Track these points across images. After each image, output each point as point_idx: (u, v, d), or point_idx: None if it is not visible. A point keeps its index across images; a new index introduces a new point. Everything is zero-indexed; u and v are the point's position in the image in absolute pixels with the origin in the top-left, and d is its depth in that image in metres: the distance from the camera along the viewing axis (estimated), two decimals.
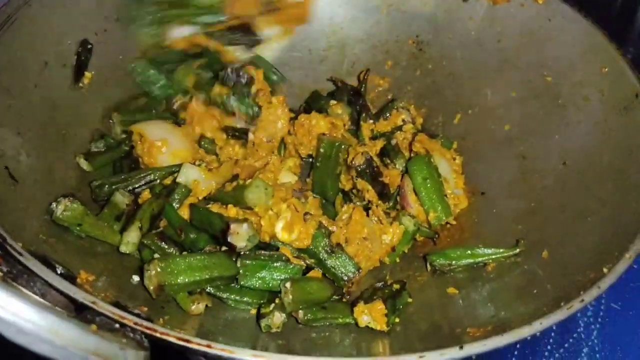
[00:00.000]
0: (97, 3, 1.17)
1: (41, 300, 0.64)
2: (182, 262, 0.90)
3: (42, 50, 1.07)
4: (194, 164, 1.08)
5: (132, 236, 0.95)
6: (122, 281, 0.91)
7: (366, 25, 1.38)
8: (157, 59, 1.19)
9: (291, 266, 0.96)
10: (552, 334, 1.12)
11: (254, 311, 0.95)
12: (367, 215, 1.07)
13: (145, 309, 0.77)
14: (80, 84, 1.13)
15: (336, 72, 1.39)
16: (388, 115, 1.28)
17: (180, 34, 1.16)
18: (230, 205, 1.00)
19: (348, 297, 0.99)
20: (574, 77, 1.14)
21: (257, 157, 1.16)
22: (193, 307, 0.89)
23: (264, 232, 0.97)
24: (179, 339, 0.65)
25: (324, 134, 1.19)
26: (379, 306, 0.90)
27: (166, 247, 0.96)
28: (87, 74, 1.14)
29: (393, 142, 1.21)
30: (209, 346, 0.65)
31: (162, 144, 1.10)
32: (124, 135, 1.15)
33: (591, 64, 1.11)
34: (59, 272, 0.73)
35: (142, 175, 1.08)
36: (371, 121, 1.28)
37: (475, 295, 0.95)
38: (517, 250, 1.00)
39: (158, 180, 1.07)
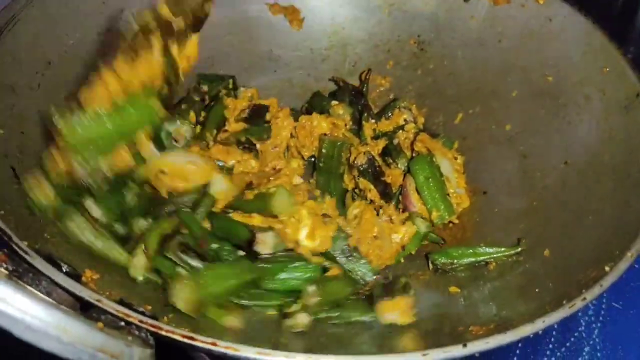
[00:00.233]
0: (101, 2, 1.17)
1: (46, 298, 0.64)
2: (209, 273, 0.89)
3: (45, 50, 1.07)
4: None
5: (139, 259, 0.92)
6: (127, 279, 0.91)
7: (368, 25, 1.39)
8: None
9: (310, 266, 0.97)
10: (554, 333, 1.12)
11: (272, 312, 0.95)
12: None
13: (150, 307, 0.77)
14: None
15: (338, 71, 1.40)
16: (390, 114, 1.29)
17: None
18: (254, 214, 0.99)
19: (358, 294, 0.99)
20: (574, 77, 1.14)
21: (265, 163, 1.17)
22: (227, 320, 0.86)
23: (289, 239, 0.96)
24: (184, 336, 0.66)
25: (325, 135, 1.19)
26: (404, 301, 0.91)
27: (188, 259, 0.92)
28: None
29: (395, 141, 1.22)
30: (214, 344, 0.65)
31: (188, 169, 1.04)
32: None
33: (592, 64, 1.11)
34: (64, 270, 0.73)
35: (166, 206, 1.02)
36: (373, 121, 1.28)
37: (477, 294, 0.95)
38: (519, 249, 1.01)
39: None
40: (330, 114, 1.27)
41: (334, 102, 1.29)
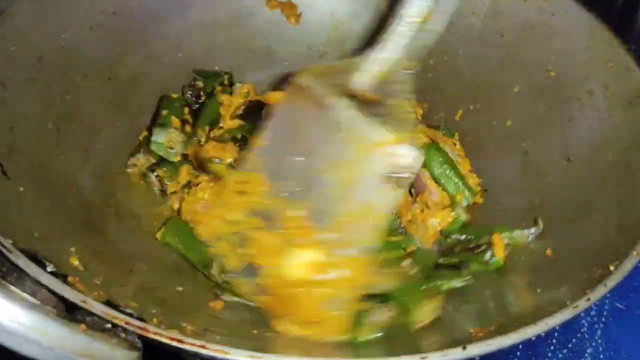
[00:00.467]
0: None
1: (30, 298, 0.62)
2: None
3: (36, 45, 1.05)
4: None
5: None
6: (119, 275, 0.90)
7: (367, 20, 1.36)
8: None
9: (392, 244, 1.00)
10: (556, 334, 1.10)
11: None
12: None
13: (135, 304, 0.75)
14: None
15: None
16: None
17: None
18: None
19: None
20: (577, 72, 1.12)
21: None
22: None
23: None
24: (172, 339, 0.63)
25: None
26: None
27: None
28: None
29: None
30: (203, 346, 0.63)
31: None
32: None
33: (595, 59, 1.09)
34: (49, 270, 0.71)
35: None
36: None
37: (478, 295, 0.93)
38: (534, 229, 1.00)
39: None
40: None
41: None
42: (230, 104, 1.20)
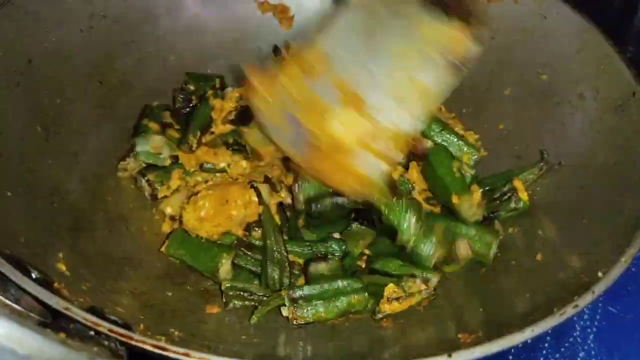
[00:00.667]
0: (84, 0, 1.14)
1: (13, 305, 0.61)
2: None
3: (25, 48, 1.04)
4: None
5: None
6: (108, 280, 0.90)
7: None
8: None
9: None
10: (548, 338, 1.09)
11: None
12: None
13: (122, 310, 0.75)
14: None
15: None
16: None
17: None
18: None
19: None
20: (569, 75, 1.12)
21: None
22: None
23: None
24: (155, 346, 0.63)
25: None
26: None
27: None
28: None
29: None
30: (186, 354, 0.63)
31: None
32: None
33: (587, 62, 1.09)
34: (34, 277, 0.70)
35: None
36: None
37: (466, 300, 0.92)
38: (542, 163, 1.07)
39: None
40: None
41: None
42: (222, 108, 1.20)
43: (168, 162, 1.14)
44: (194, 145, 1.14)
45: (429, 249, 0.98)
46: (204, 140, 1.15)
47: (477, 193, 1.02)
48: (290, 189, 1.07)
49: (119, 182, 1.13)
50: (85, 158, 1.09)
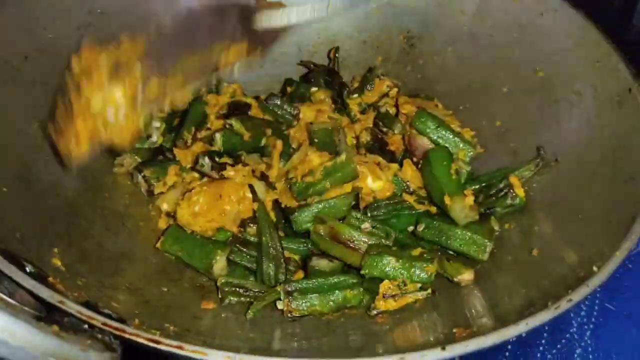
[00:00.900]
0: None
1: (6, 298, 0.61)
2: None
3: (22, 44, 1.05)
4: None
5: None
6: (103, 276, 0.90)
7: (356, 21, 1.36)
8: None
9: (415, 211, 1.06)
10: (545, 334, 1.09)
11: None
12: None
13: (117, 305, 0.74)
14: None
15: None
16: (372, 85, 1.27)
17: None
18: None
19: None
20: (566, 72, 1.12)
21: None
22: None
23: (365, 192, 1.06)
24: (149, 339, 0.63)
25: (311, 124, 1.18)
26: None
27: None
28: None
29: (383, 110, 1.22)
30: (180, 347, 0.63)
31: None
32: None
33: (584, 58, 1.09)
34: (28, 270, 0.70)
35: None
36: (356, 95, 1.27)
37: (461, 294, 0.92)
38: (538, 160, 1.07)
39: None
40: (312, 101, 1.26)
41: (313, 89, 1.28)
42: (217, 103, 1.20)
43: (160, 142, 1.17)
44: (189, 141, 1.14)
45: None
46: (199, 136, 1.15)
47: (470, 196, 1.01)
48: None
49: (115, 179, 1.13)
50: None
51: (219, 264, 0.99)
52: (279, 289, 0.94)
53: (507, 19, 1.21)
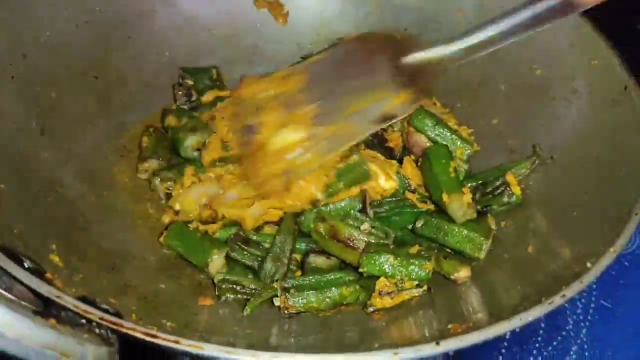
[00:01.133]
0: None
1: (4, 293, 0.62)
2: None
3: (21, 42, 1.05)
4: None
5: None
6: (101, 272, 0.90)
7: (355, 19, 1.36)
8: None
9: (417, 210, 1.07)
10: (541, 332, 1.10)
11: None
12: None
13: (114, 300, 0.75)
14: None
15: None
16: None
17: None
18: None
19: None
20: (563, 70, 1.12)
21: None
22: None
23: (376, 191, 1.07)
24: (146, 334, 0.63)
25: None
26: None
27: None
28: None
29: None
30: (176, 342, 0.63)
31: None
32: None
33: (580, 56, 1.10)
34: (26, 266, 0.71)
35: None
36: None
37: (457, 290, 0.93)
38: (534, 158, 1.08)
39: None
40: None
41: None
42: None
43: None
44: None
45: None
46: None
47: (468, 194, 1.02)
48: None
49: (114, 176, 1.14)
50: (80, 152, 1.09)
51: (215, 262, 0.99)
52: (275, 286, 0.95)
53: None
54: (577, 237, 0.90)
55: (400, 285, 0.93)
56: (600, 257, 0.78)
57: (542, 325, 1.10)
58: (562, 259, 0.87)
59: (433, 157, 1.08)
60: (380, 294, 0.93)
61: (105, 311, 0.67)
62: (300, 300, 0.92)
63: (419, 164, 1.11)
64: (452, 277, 0.96)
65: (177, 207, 1.10)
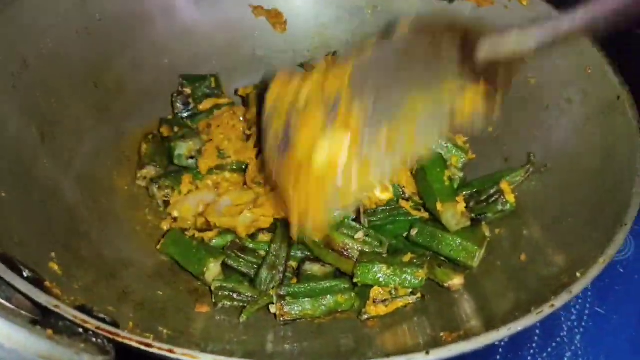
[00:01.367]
0: (80, 2, 1.15)
1: (3, 302, 0.63)
2: None
3: (21, 50, 1.05)
4: None
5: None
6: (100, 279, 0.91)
7: (351, 26, 1.37)
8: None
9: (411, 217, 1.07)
10: (535, 338, 1.10)
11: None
12: None
13: (112, 308, 0.76)
14: None
15: None
16: None
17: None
18: None
19: None
20: (557, 79, 1.13)
21: None
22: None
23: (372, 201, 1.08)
24: (141, 343, 0.65)
25: None
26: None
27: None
28: None
29: None
30: (170, 351, 0.64)
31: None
32: None
33: (575, 65, 1.10)
34: (25, 275, 0.72)
35: None
36: None
37: (450, 298, 0.94)
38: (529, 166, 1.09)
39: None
40: None
41: None
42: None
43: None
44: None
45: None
46: None
47: (462, 203, 1.03)
48: None
49: (113, 184, 1.15)
50: (80, 159, 1.10)
51: (211, 271, 1.01)
52: (272, 293, 0.96)
53: (500, 26, 1.22)
54: (569, 245, 0.91)
55: (394, 293, 0.94)
56: (590, 266, 0.79)
57: (537, 331, 1.11)
58: (553, 267, 0.88)
59: (428, 165, 1.09)
60: (374, 301, 0.95)
61: (102, 320, 0.68)
62: (295, 308, 0.94)
63: (414, 172, 1.12)
64: (445, 284, 0.97)
65: (175, 214, 1.12)
